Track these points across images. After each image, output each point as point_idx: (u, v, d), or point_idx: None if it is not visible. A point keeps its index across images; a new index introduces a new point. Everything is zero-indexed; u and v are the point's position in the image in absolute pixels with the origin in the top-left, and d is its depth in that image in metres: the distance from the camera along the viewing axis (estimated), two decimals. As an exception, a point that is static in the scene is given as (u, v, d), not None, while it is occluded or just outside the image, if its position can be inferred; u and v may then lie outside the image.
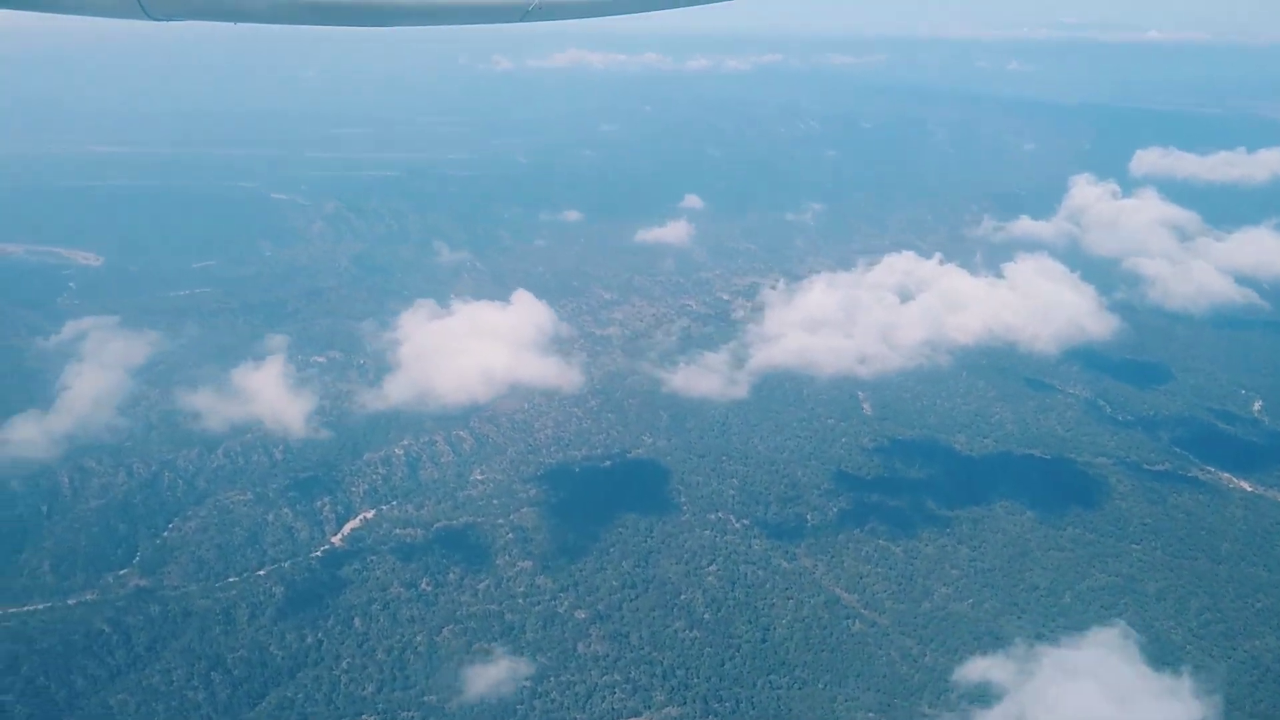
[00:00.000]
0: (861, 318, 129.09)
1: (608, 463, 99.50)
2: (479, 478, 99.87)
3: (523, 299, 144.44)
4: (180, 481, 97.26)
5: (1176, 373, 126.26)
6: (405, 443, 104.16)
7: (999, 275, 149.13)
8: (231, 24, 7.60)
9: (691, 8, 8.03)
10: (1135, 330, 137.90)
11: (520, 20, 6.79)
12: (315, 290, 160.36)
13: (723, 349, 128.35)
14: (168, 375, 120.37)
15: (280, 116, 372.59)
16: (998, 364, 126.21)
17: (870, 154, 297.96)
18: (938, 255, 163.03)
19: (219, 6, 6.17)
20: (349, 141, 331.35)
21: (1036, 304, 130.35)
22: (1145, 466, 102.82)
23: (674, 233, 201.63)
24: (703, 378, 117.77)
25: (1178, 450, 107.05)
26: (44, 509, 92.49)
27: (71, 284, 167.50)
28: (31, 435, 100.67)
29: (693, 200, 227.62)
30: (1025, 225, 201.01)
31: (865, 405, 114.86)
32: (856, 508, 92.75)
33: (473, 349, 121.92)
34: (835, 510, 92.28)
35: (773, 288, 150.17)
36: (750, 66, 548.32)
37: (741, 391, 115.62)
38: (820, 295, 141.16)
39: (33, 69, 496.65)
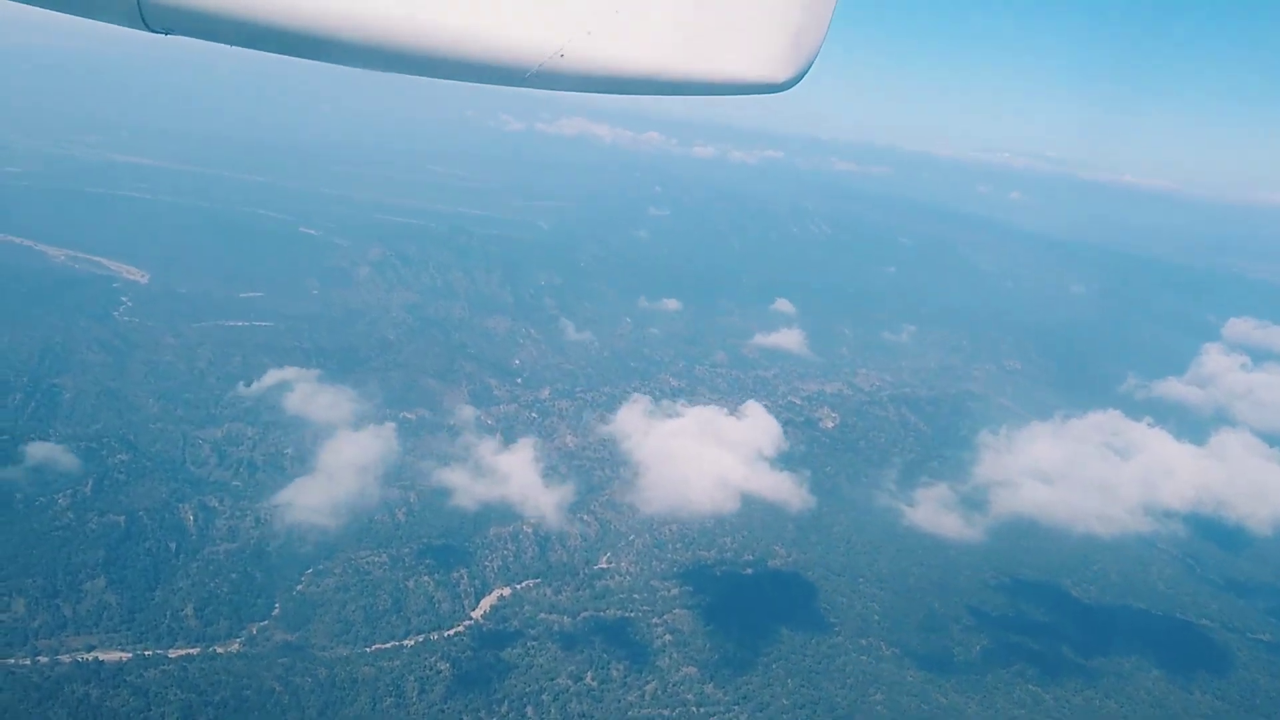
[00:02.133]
0: (1079, 473, 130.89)
1: (749, 570, 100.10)
2: (606, 565, 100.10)
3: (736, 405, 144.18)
4: (309, 535, 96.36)
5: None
6: (534, 520, 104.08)
7: (1199, 442, 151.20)
8: (242, 50, 8.88)
9: (696, 98, 9.74)
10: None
11: (520, 85, 7.20)
12: (384, 342, 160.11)
13: (940, 483, 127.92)
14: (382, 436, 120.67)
15: (294, 147, 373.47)
16: (1211, 536, 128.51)
17: (924, 276, 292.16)
18: (1147, 418, 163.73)
19: (219, 28, 6.44)
20: (364, 181, 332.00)
21: (1251, 480, 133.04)
22: (1249, 635, 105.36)
23: (788, 340, 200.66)
24: (940, 515, 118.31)
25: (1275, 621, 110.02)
26: (172, 546, 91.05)
27: (124, 299, 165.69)
28: (315, 501, 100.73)
29: (784, 305, 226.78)
30: (1173, 388, 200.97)
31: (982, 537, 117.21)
32: (997, 647, 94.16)
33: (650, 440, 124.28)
34: (979, 648, 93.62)
35: (993, 433, 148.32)
36: (756, 160, 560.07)
37: (978, 534, 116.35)
38: (1043, 444, 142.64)
39: (42, 66, 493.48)
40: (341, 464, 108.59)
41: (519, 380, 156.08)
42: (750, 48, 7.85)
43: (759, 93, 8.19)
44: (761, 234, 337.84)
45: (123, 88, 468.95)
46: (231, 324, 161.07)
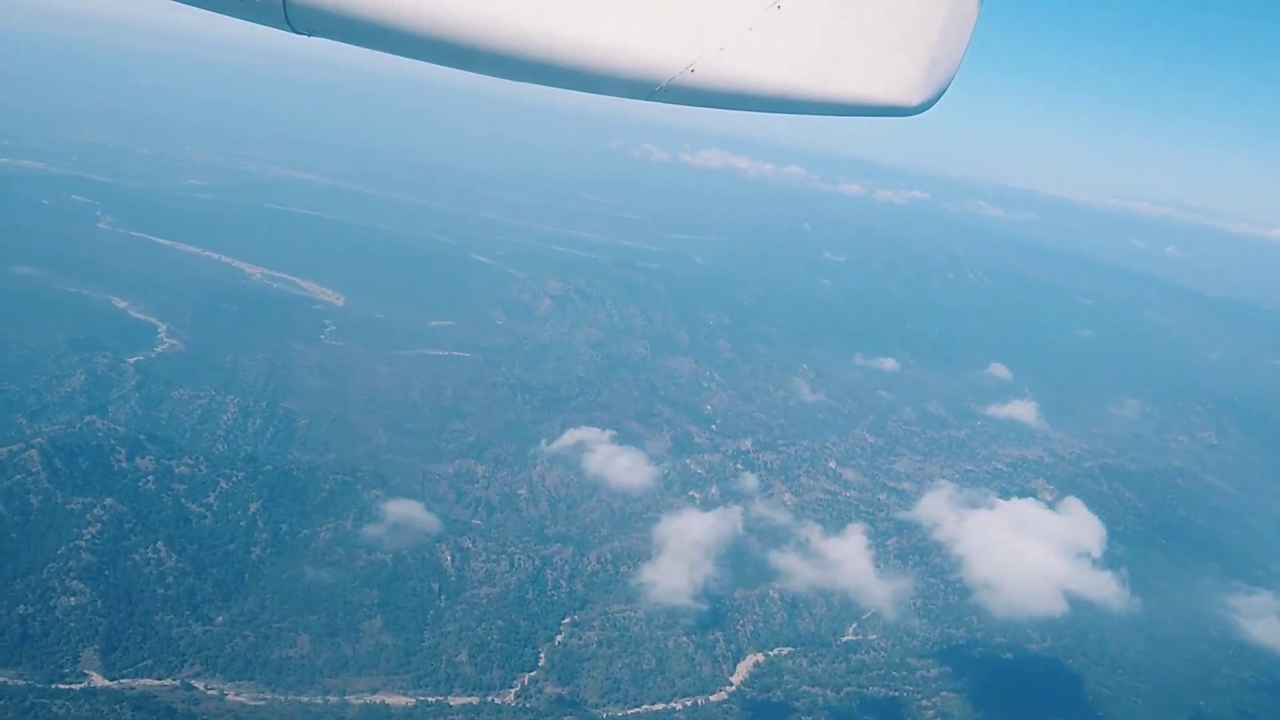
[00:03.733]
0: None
1: (1008, 654, 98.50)
2: (853, 637, 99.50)
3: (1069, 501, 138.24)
4: (562, 583, 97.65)
5: None
6: (778, 585, 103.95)
7: None
8: (394, 60, 7.61)
9: (834, 118, 8.20)
10: None
11: (649, 99, 6.97)
12: (580, 380, 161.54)
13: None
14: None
15: (451, 171, 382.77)
16: None
17: (1126, 344, 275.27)
18: None
19: (360, 32, 6.33)
20: (524, 209, 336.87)
21: None
22: None
23: (1021, 412, 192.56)
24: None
25: None
26: (435, 587, 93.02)
27: (327, 322, 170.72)
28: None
29: (1000, 370, 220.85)
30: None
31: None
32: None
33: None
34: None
35: None
36: (903, 200, 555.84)
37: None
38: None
39: (206, 78, 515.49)
40: (650, 532, 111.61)
41: (714, 427, 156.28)
42: (884, 70, 7.85)
43: (890, 115, 8.19)
44: (920, 280, 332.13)
45: (279, 102, 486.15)
46: (433, 353, 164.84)
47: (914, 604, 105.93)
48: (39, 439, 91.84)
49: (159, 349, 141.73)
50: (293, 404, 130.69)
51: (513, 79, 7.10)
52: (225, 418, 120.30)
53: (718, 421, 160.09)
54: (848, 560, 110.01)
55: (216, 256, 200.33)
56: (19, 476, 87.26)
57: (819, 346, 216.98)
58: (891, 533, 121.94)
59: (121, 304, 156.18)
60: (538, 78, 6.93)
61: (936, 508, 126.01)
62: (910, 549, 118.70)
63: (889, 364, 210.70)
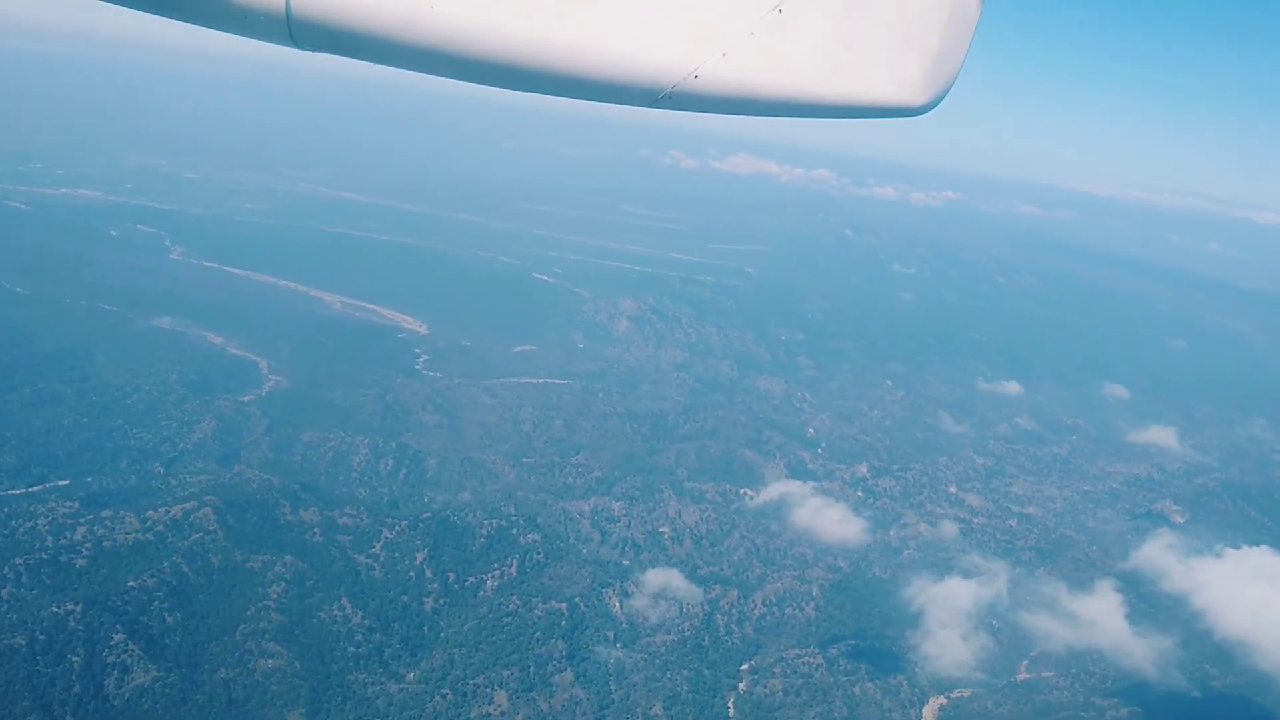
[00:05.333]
0: None
1: (1196, 693, 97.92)
2: (1026, 676, 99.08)
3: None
4: (734, 627, 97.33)
5: None
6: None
7: None
8: (412, 75, 7.78)
9: (854, 120, 8.27)
10: None
11: (653, 106, 7.04)
12: (684, 407, 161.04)
13: None
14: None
15: (491, 186, 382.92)
16: None
17: (1217, 354, 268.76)
18: None
19: (362, 47, 6.43)
20: (566, 223, 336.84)
21: None
22: None
23: (1162, 437, 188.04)
24: None
25: None
26: (610, 635, 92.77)
27: (418, 351, 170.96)
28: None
29: (1117, 390, 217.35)
30: None
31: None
32: None
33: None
34: None
35: None
36: (938, 202, 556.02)
37: None
38: None
39: (226, 93, 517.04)
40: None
41: (820, 451, 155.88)
42: (888, 71, 7.95)
43: (895, 116, 8.30)
44: (970, 286, 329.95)
45: (306, 120, 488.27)
46: (528, 381, 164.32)
47: (1178, 666, 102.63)
48: (211, 496, 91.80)
49: (267, 387, 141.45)
50: (414, 441, 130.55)
51: (516, 89, 7.24)
52: (357, 460, 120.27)
53: (823, 445, 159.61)
54: (1100, 619, 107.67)
55: (292, 285, 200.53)
56: (197, 535, 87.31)
57: (899, 362, 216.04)
58: (1120, 586, 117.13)
59: (217, 340, 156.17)
60: (542, 87, 7.07)
61: (1158, 557, 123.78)
62: (1148, 604, 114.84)
63: (1013, 387, 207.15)
